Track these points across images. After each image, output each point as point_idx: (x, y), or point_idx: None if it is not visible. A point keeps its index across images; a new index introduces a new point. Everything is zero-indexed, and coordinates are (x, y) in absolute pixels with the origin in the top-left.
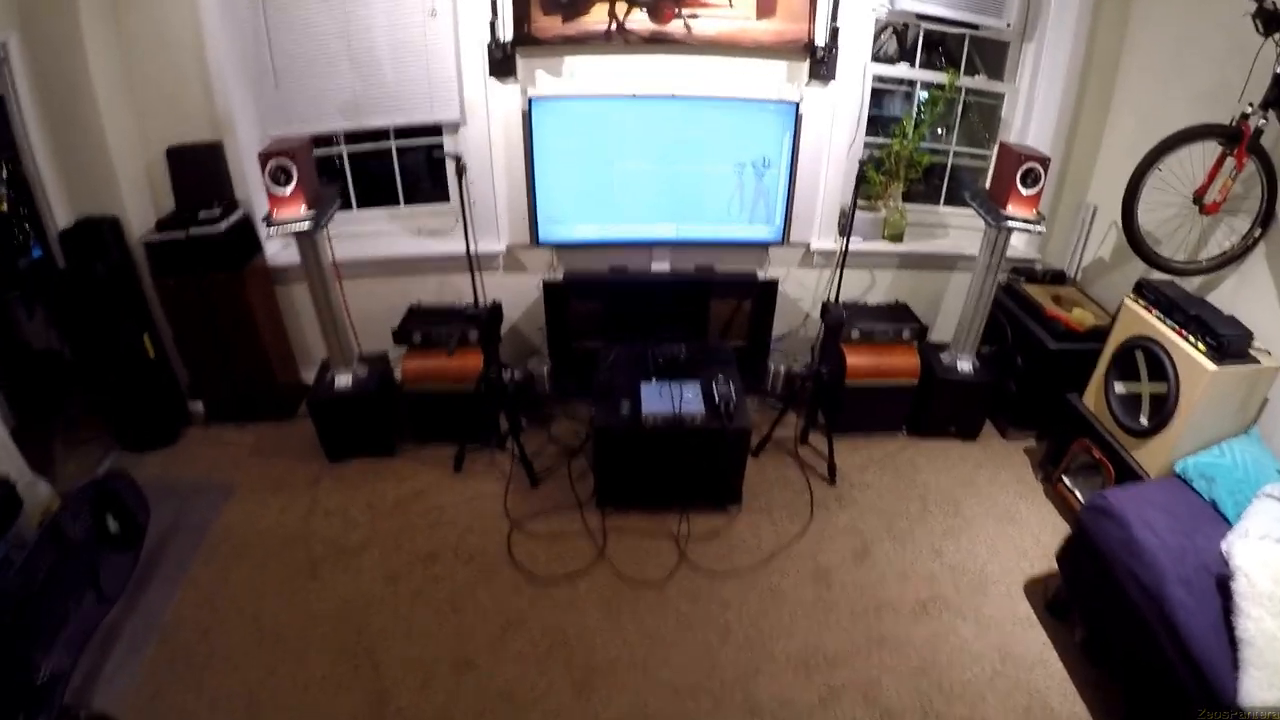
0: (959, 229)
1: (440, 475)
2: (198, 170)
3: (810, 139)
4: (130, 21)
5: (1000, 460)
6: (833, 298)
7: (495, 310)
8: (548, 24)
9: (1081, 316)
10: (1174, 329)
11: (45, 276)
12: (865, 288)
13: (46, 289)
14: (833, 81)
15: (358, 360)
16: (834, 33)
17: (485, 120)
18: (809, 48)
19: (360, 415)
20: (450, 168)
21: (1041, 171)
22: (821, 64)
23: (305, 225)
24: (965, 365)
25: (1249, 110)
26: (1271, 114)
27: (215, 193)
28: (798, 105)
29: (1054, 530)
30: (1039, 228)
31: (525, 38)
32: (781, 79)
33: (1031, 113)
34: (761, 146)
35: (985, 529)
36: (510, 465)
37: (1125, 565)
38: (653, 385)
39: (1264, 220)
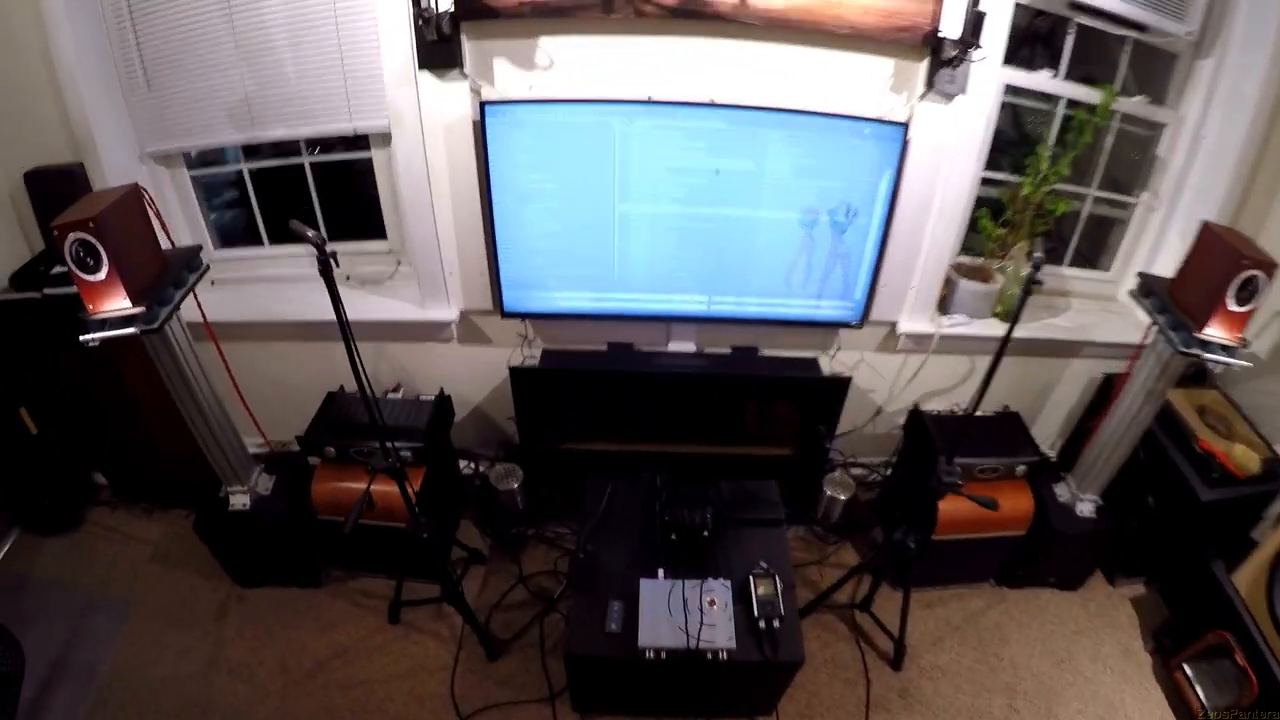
0: (1081, 299)
1: (372, 626)
2: (62, 202)
3: (917, 179)
4: None
5: (1104, 621)
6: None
7: (441, 407)
8: None
9: (1245, 458)
10: None
11: None
12: (960, 378)
13: None
14: (960, 96)
15: (261, 470)
16: (977, 20)
17: (419, 133)
18: (931, 39)
19: (267, 541)
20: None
21: (1264, 281)
22: (949, 66)
23: (128, 329)
24: (1087, 508)
25: None
26: None
27: None
28: (905, 128)
29: None
30: (1243, 362)
31: (476, 6)
32: (882, 87)
33: (1197, 153)
34: (847, 188)
35: None
36: (462, 624)
37: None
38: (659, 583)
39: None
